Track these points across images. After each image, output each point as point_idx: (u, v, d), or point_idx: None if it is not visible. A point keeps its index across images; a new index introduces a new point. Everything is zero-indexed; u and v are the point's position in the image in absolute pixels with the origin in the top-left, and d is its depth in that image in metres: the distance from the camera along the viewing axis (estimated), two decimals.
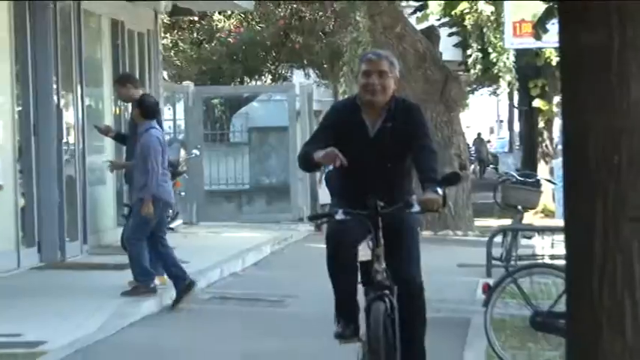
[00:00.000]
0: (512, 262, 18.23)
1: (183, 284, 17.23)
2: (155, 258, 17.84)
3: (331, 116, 9.09)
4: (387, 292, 8.14)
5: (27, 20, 20.49)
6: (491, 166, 51.47)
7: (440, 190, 8.26)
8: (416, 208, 8.22)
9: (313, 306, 15.34)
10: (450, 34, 35.81)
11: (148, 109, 17.69)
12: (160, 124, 19.26)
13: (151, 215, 16.98)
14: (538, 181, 25.34)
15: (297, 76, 44.99)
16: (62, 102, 22.50)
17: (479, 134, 55.90)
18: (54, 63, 21.27)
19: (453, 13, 30.61)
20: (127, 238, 18.01)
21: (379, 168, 8.46)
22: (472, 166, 41.75)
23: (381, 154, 8.46)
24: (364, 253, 8.37)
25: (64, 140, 22.40)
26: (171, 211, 23.59)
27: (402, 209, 8.24)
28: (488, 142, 56.47)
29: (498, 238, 20.31)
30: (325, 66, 42.43)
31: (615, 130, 6.87)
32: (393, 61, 8.86)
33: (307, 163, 8.92)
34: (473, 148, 47.44)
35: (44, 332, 14.21)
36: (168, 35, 37.58)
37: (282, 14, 41.02)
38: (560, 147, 28.11)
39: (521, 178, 24.54)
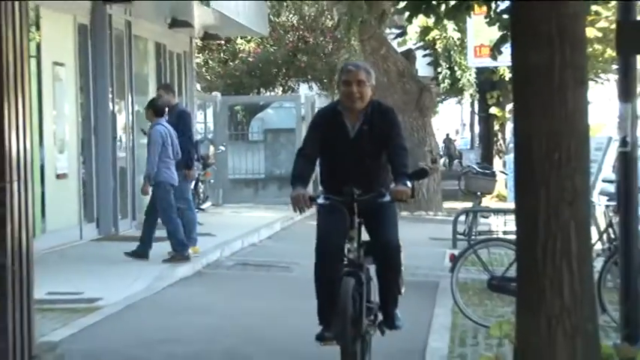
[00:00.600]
0: (473, 237, 18.45)
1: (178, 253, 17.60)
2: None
3: (317, 120, 8.84)
4: (357, 269, 7.97)
5: (89, 43, 21.14)
6: (456, 160, 51.99)
7: (409, 183, 8.05)
8: (387, 197, 8.01)
9: (312, 272, 14.63)
10: (424, 55, 35.95)
11: (157, 109, 17.93)
12: (189, 125, 19.88)
13: (146, 194, 18.02)
14: (493, 172, 25.61)
15: (303, 89, 46.30)
16: (116, 108, 23.02)
17: (447, 135, 56.63)
18: (110, 77, 21.89)
19: (426, 38, 30.97)
20: (162, 219, 18.01)
21: (359, 164, 8.19)
22: (442, 160, 42.50)
23: (360, 152, 8.20)
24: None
25: (118, 138, 23.09)
26: (202, 194, 24.15)
27: (375, 198, 8.01)
28: (454, 141, 57.36)
29: (462, 218, 20.60)
30: (325, 80, 43.40)
31: (556, 132, 7.54)
32: (370, 71, 8.48)
33: (291, 178, 8.55)
34: (443, 146, 48.56)
35: (100, 291, 14.33)
36: (200, 55, 38.51)
37: (290, 39, 42.30)
38: (511, 145, 29.00)
39: (480, 170, 24.82)
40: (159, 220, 18.08)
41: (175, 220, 17.49)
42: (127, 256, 17.48)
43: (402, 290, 8.56)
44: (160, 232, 17.86)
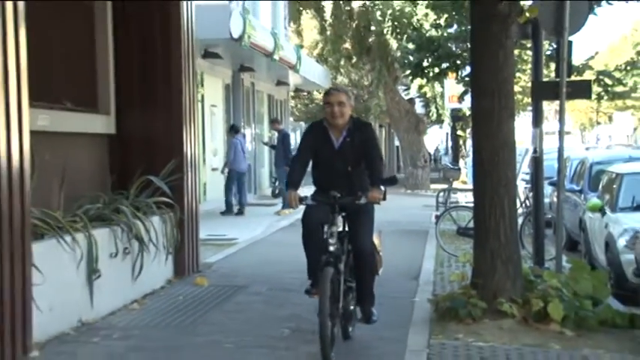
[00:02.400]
0: (448, 205, 20.55)
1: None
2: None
3: (307, 134, 8.04)
4: (336, 260, 7.21)
5: (230, 94, 25.36)
6: (440, 161, 56.20)
7: (382, 188, 7.55)
8: (363, 200, 7.33)
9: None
10: (420, 101, 42.15)
11: (236, 130, 21.00)
12: (288, 141, 23.23)
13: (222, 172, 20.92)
14: (459, 167, 34.96)
15: None
16: (248, 130, 26.67)
17: (437, 147, 62.70)
18: (242, 113, 26.00)
19: (421, 91, 38.76)
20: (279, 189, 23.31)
21: (342, 171, 7.61)
22: (431, 162, 45.86)
23: (343, 161, 7.63)
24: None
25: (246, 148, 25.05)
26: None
27: (353, 200, 7.34)
28: (438, 150, 62.13)
29: (441, 194, 23.21)
30: (363, 116, 44.39)
31: (496, 146, 8.89)
32: (349, 94, 7.86)
33: (287, 181, 8.15)
34: (432, 153, 52.66)
35: (237, 234, 16.09)
36: (293, 100, 42.67)
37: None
38: (470, 152, 33.93)
39: (451, 166, 34.95)
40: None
41: (286, 192, 19.57)
42: (222, 215, 20.09)
43: (380, 271, 8.06)
44: (271, 200, 20.38)
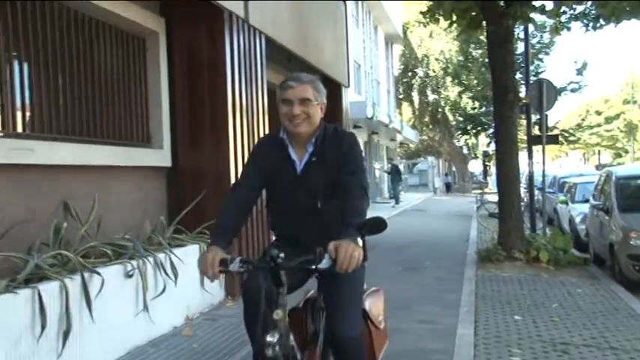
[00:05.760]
0: (482, 201, 20.11)
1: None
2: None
3: (256, 153, 2.76)
4: None
5: (367, 144, 25.79)
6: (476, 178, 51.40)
7: (360, 241, 2.33)
8: (325, 263, 2.19)
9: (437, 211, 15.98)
10: (466, 146, 43.49)
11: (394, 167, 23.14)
12: (396, 170, 24.89)
13: None
14: (487, 181, 35.85)
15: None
16: (376, 164, 27.62)
17: (474, 171, 52.74)
18: (372, 155, 26.82)
19: (466, 141, 41.65)
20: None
21: (309, 208, 2.63)
22: (472, 178, 43.21)
23: (309, 192, 2.63)
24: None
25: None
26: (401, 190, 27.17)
27: (308, 264, 2.26)
28: (474, 173, 52.61)
29: (479, 196, 22.46)
30: (435, 157, 43.92)
31: (509, 170, 8.82)
32: (317, 84, 2.64)
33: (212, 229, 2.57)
34: (473, 174, 45.13)
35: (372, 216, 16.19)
36: (398, 148, 40.58)
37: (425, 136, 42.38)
38: (494, 174, 35.61)
39: (483, 180, 35.32)
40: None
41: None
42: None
43: (381, 354, 3.02)
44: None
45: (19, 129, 4.46)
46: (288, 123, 2.52)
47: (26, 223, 4.17)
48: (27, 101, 4.56)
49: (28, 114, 4.58)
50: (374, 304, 2.87)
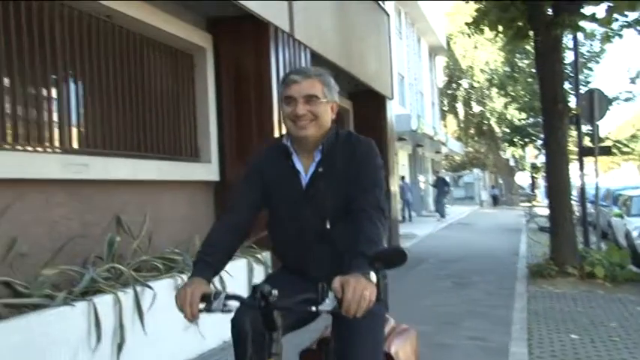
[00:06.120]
0: (532, 214, 19.92)
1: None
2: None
3: (254, 164, 2.09)
4: None
5: (412, 157, 26.13)
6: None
7: (373, 276, 1.61)
8: (328, 305, 1.57)
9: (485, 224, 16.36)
10: (513, 158, 41.44)
11: (402, 178, 21.71)
12: (442, 183, 24.17)
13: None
14: (535, 193, 36.84)
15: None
16: (421, 177, 27.96)
17: (521, 184, 49.11)
18: (417, 168, 26.88)
19: (512, 153, 39.63)
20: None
21: (318, 231, 1.96)
22: (519, 190, 42.89)
23: (316, 210, 1.95)
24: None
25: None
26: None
27: (306, 305, 1.60)
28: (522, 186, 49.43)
29: (528, 209, 22.87)
30: (482, 169, 43.27)
31: (560, 182, 8.72)
32: (328, 81, 2.00)
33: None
34: (520, 186, 44.95)
35: (418, 231, 15.79)
36: (443, 161, 40.93)
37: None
38: (542, 186, 35.70)
39: (531, 193, 35.77)
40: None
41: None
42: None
43: None
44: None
45: (75, 145, 4.63)
46: (292, 125, 2.00)
47: (81, 237, 4.31)
48: (81, 118, 4.73)
49: (82, 130, 4.75)
50: (402, 347, 2.17)
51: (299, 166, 2.03)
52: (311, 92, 1.96)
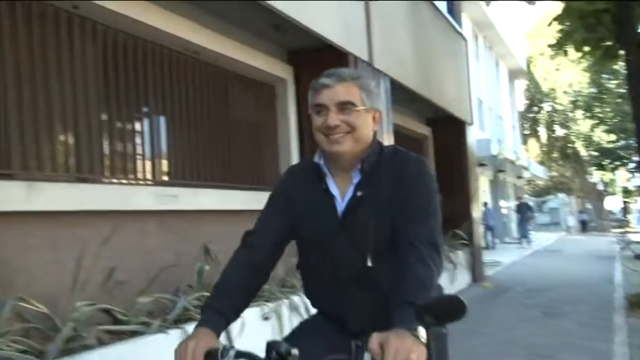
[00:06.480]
0: (626, 240, 19.57)
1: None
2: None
3: (281, 187, 1.70)
4: None
5: (493, 183, 25.08)
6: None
7: (423, 332, 1.20)
8: None
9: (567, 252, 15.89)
10: (602, 182, 40.86)
11: (485, 204, 20.96)
12: (524, 208, 23.69)
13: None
14: (627, 219, 34.93)
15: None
16: (503, 202, 26.88)
17: (611, 209, 47.74)
18: (498, 194, 25.75)
19: (600, 177, 39.23)
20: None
21: (355, 268, 1.53)
22: (609, 216, 41.60)
23: (355, 244, 1.53)
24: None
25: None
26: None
27: None
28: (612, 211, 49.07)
29: (621, 235, 22.49)
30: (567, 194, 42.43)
31: None
32: (367, 85, 1.57)
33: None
34: (611, 211, 43.78)
35: (502, 259, 15.29)
36: (526, 185, 39.27)
37: None
38: (635, 210, 34.17)
39: (623, 218, 33.91)
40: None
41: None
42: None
43: None
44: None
45: (165, 177, 4.86)
46: (324, 139, 1.59)
47: (173, 267, 4.46)
48: (170, 151, 4.95)
49: (172, 162, 4.96)
50: None
51: (334, 189, 1.62)
52: (346, 99, 1.55)
